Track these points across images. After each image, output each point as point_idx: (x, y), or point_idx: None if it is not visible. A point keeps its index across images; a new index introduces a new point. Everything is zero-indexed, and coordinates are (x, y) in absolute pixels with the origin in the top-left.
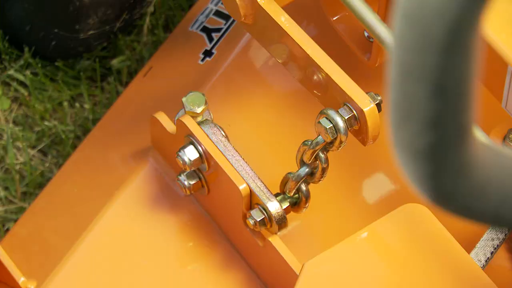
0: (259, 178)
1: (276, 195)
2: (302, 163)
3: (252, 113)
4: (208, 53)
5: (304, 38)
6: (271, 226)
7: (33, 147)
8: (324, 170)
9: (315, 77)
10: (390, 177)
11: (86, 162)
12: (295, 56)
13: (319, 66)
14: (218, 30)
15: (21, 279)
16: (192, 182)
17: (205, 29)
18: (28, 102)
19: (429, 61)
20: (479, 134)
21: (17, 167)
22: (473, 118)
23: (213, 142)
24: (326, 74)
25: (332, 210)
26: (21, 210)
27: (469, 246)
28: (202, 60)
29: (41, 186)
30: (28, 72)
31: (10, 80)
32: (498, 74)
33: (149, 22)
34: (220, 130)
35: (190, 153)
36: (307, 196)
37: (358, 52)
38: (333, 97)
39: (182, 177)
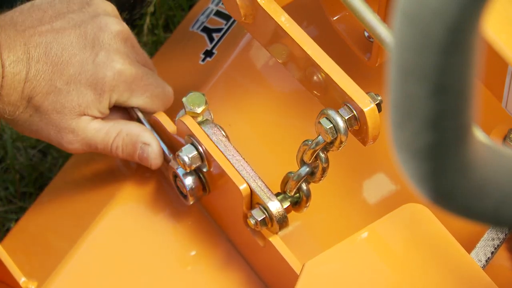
0: (259, 177)
1: (277, 194)
2: (302, 163)
3: (252, 113)
4: (208, 53)
5: (304, 38)
6: (272, 225)
7: (33, 147)
8: (324, 170)
9: (315, 77)
10: (390, 177)
11: (87, 162)
12: (295, 56)
13: (319, 66)
14: (218, 30)
15: (22, 279)
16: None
17: (206, 29)
18: None
19: (429, 61)
20: (479, 134)
21: (17, 167)
22: (473, 118)
23: (214, 142)
24: (326, 74)
25: (332, 210)
26: (21, 210)
27: (469, 246)
28: (203, 60)
29: (41, 186)
30: None
31: None
32: (498, 74)
33: (149, 22)
34: (221, 130)
35: (190, 153)
36: (308, 196)
37: (358, 52)
38: (333, 97)
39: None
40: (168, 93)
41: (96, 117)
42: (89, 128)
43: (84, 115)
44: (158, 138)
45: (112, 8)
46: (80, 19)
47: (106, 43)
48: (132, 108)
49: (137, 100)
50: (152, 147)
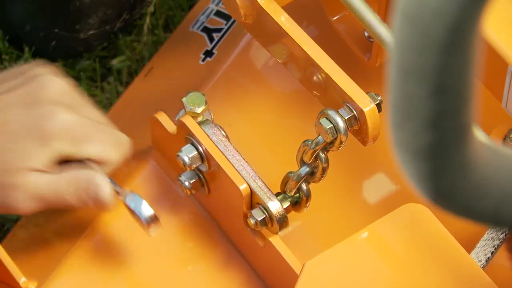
0: (259, 177)
1: (277, 194)
2: (302, 163)
3: (252, 113)
4: (208, 53)
5: (304, 38)
6: (272, 225)
7: None
8: (324, 170)
9: (315, 77)
10: (390, 177)
11: None
12: (295, 56)
13: (319, 66)
14: (219, 30)
15: (22, 279)
16: (192, 183)
17: (206, 29)
18: None
19: (429, 61)
20: (479, 134)
21: None
22: (473, 118)
23: (214, 142)
24: (326, 74)
25: (332, 210)
26: None
27: (469, 246)
28: (203, 60)
29: None
30: None
31: None
32: (498, 74)
33: (149, 22)
34: (221, 130)
35: (190, 154)
36: (308, 196)
37: (358, 52)
38: (333, 97)
39: (183, 178)
40: (123, 141)
41: (43, 171)
42: (39, 182)
43: (31, 170)
44: (109, 180)
45: (54, 69)
46: (23, 81)
47: (47, 98)
48: (87, 159)
49: (87, 149)
50: (103, 191)
